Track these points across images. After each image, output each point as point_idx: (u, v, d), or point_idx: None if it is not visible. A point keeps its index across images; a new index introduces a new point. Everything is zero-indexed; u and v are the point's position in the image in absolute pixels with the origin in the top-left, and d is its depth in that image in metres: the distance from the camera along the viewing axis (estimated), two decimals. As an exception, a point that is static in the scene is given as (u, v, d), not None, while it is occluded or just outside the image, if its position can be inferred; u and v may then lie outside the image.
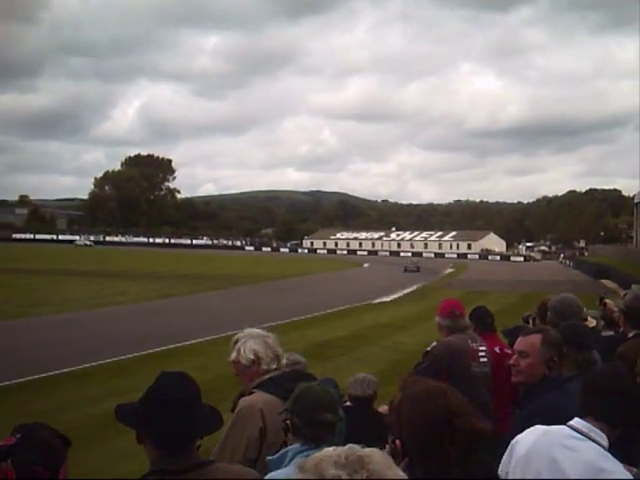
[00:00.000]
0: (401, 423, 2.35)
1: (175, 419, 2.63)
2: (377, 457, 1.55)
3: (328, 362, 17.45)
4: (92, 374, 17.35)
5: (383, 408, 4.88)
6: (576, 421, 3.10)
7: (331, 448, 1.60)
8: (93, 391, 15.31)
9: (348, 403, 5.32)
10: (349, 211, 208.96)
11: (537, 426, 3.17)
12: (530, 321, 6.50)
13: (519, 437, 3.17)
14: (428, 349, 6.16)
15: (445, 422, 2.25)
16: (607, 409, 3.09)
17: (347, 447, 1.59)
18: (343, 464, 1.51)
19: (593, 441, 3.01)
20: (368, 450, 1.58)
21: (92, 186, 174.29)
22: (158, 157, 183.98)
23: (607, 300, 7.50)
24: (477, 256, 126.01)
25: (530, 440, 3.08)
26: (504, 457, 3.17)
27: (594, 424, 3.06)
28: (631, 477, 2.96)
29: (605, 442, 3.03)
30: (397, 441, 2.33)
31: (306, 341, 20.96)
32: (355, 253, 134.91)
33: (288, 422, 3.29)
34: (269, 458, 3.26)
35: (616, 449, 3.05)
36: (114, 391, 15.01)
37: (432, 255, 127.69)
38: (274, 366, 4.25)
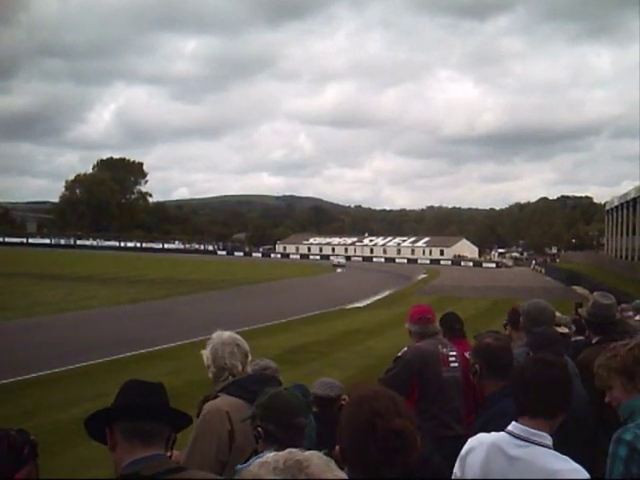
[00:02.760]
0: (338, 429, 2.38)
1: (145, 399, 2.70)
2: (315, 460, 1.55)
3: (300, 367, 17.41)
4: (60, 379, 17.16)
5: None
6: (514, 426, 3.10)
7: (271, 454, 1.60)
8: (62, 396, 15.15)
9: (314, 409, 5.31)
10: (322, 216, 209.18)
11: (480, 437, 3.18)
12: (507, 328, 6.52)
13: (468, 449, 3.18)
14: (399, 354, 6.16)
15: (367, 424, 2.26)
16: (540, 401, 3.08)
17: (286, 452, 1.59)
18: (281, 469, 1.51)
19: (537, 444, 3.02)
20: (307, 453, 1.58)
21: (63, 189, 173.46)
22: (130, 160, 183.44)
23: (580, 308, 7.55)
24: (450, 262, 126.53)
25: (478, 459, 3.08)
26: (456, 466, 3.18)
27: (532, 424, 3.06)
28: (583, 471, 2.96)
29: (549, 441, 3.04)
30: (337, 447, 2.35)
31: (278, 346, 20.91)
32: (328, 258, 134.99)
33: (260, 429, 3.27)
34: (239, 466, 3.23)
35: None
36: (83, 397, 14.92)
37: (405, 261, 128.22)
38: (240, 369, 4.27)
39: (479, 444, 3.13)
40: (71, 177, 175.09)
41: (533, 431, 3.04)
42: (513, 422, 3.11)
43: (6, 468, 2.44)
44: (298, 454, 1.57)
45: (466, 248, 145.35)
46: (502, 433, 3.11)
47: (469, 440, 3.20)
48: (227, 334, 4.40)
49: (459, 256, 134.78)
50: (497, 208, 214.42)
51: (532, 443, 3.01)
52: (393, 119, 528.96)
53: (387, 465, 2.21)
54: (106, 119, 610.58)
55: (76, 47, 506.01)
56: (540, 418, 3.07)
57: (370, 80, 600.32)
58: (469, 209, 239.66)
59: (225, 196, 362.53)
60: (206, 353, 4.32)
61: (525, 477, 2.92)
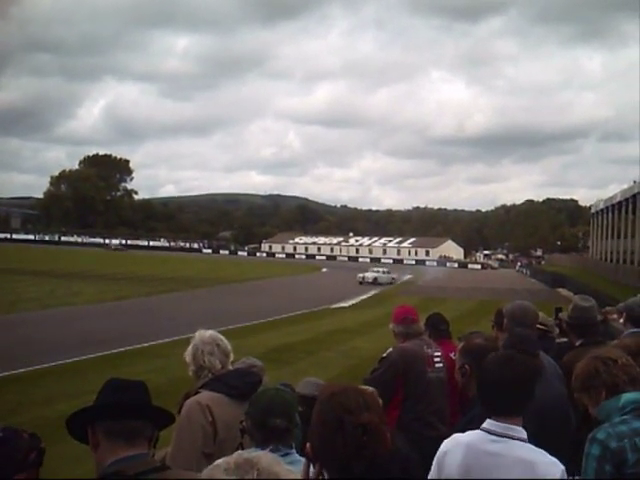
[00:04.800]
0: (310, 427, 2.40)
1: (127, 397, 2.71)
2: (265, 457, 1.60)
3: (285, 367, 17.42)
4: (44, 376, 17.11)
5: None
6: (489, 423, 3.15)
7: (223, 458, 1.64)
8: (46, 393, 15.12)
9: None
10: (308, 216, 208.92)
11: (456, 437, 3.22)
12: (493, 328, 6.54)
13: (445, 450, 3.20)
14: (384, 355, 6.18)
15: (336, 420, 2.27)
16: (508, 400, 3.13)
17: (236, 454, 1.64)
18: (232, 469, 1.55)
19: (513, 438, 3.07)
20: (257, 452, 1.63)
21: (48, 185, 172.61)
22: (116, 157, 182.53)
23: (561, 313, 7.60)
24: (435, 263, 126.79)
25: (457, 460, 3.12)
26: (433, 468, 3.20)
27: (505, 420, 3.11)
28: (559, 463, 3.03)
29: (524, 434, 3.10)
30: (308, 445, 2.37)
31: (263, 345, 20.89)
32: (314, 258, 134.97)
33: (244, 424, 3.28)
34: None
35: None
36: (67, 393, 14.88)
37: (390, 261, 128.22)
38: (219, 368, 4.30)
39: (456, 444, 3.16)
40: (56, 173, 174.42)
41: (507, 426, 3.09)
42: (487, 420, 3.15)
43: (9, 467, 2.44)
44: (247, 454, 1.61)
45: (452, 249, 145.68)
46: (477, 431, 3.16)
47: (445, 442, 3.22)
48: (209, 333, 4.43)
49: (445, 257, 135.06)
50: (483, 210, 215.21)
51: (508, 438, 3.07)
52: (384, 119, 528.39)
53: (356, 459, 2.22)
54: (95, 115, 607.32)
55: (66, 42, 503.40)
56: (511, 415, 3.13)
57: (362, 80, 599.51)
58: (455, 210, 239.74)
59: (212, 194, 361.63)
60: (187, 351, 4.36)
61: (505, 471, 2.97)
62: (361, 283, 60.28)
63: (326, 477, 2.24)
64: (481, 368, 3.38)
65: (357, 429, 2.24)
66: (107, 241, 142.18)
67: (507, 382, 3.14)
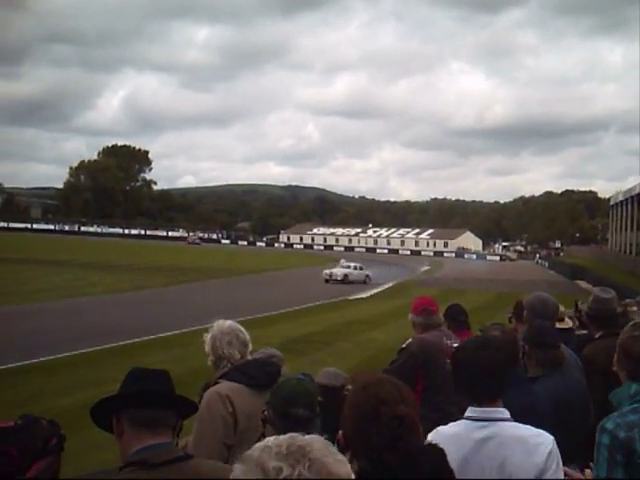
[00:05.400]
0: (342, 415, 2.40)
1: (151, 386, 2.73)
2: (317, 445, 1.54)
3: (303, 357, 17.43)
4: (64, 365, 17.22)
5: None
6: (471, 410, 3.12)
7: (272, 437, 1.59)
8: (65, 382, 15.24)
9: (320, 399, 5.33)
10: (326, 207, 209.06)
11: (439, 430, 3.16)
12: (513, 320, 6.51)
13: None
14: (403, 346, 6.16)
15: (372, 410, 2.27)
16: (487, 385, 3.11)
17: (287, 436, 1.57)
18: (284, 455, 1.50)
19: (499, 420, 3.06)
20: (308, 438, 1.57)
21: (68, 175, 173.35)
22: (135, 148, 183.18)
23: (580, 304, 7.56)
24: (453, 254, 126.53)
25: (448, 452, 3.06)
26: None
27: (487, 405, 3.09)
28: (547, 434, 3.05)
29: (507, 414, 3.09)
30: (340, 433, 2.37)
31: (281, 336, 20.93)
32: (331, 249, 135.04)
33: (265, 414, 3.29)
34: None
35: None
36: (86, 382, 14.98)
37: (408, 252, 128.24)
38: (237, 359, 4.30)
39: (440, 438, 3.08)
40: (76, 163, 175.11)
41: (492, 409, 3.08)
42: (469, 408, 3.13)
43: (29, 454, 2.46)
44: (299, 439, 1.56)
45: (470, 241, 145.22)
46: (461, 421, 3.13)
47: (428, 436, 3.09)
48: (227, 323, 4.44)
49: (463, 248, 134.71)
50: (502, 201, 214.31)
51: (495, 421, 3.05)
52: (403, 110, 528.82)
53: (390, 451, 2.21)
54: (114, 106, 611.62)
55: (86, 34, 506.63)
56: (494, 399, 3.11)
57: (381, 71, 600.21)
58: (473, 202, 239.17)
59: (231, 185, 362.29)
60: (206, 341, 4.37)
61: (503, 452, 2.97)
62: (327, 281, 49.52)
63: (356, 467, 2.21)
64: (455, 356, 3.33)
65: (393, 421, 2.23)
66: (126, 231, 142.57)
67: (487, 367, 3.11)
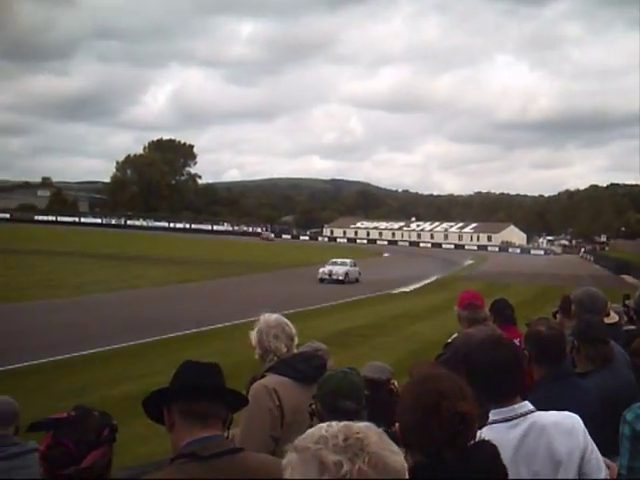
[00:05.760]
0: (400, 407, 2.39)
1: (203, 379, 2.74)
2: (373, 436, 1.53)
3: (347, 350, 17.42)
4: (111, 357, 17.48)
5: None
6: (496, 413, 3.07)
7: (324, 424, 1.58)
8: (111, 374, 15.45)
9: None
10: (369, 200, 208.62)
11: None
12: (557, 316, 6.46)
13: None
14: (449, 340, 6.14)
15: (434, 405, 2.26)
16: (507, 384, 3.09)
17: (342, 425, 1.56)
18: (342, 447, 1.49)
19: (526, 414, 3.04)
20: (363, 427, 1.56)
21: (114, 170, 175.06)
22: (180, 142, 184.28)
23: (628, 300, 7.49)
24: (497, 248, 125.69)
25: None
26: None
27: (508, 403, 3.07)
28: (573, 414, 3.06)
29: (531, 406, 3.08)
30: (396, 425, 2.36)
31: (325, 329, 20.95)
32: (375, 242, 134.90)
33: (313, 407, 3.31)
34: None
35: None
36: (133, 374, 15.20)
37: (452, 246, 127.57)
38: (284, 352, 4.32)
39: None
40: (122, 158, 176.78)
41: (516, 406, 3.07)
42: (492, 411, 3.08)
43: (83, 444, 2.51)
44: (355, 428, 1.55)
45: (514, 234, 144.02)
46: (490, 427, 3.04)
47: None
48: (274, 317, 4.46)
49: (507, 242, 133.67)
50: (546, 195, 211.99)
51: (523, 416, 3.04)
52: (447, 104, 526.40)
53: (449, 447, 2.22)
54: (160, 100, 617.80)
55: (133, 29, 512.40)
56: (515, 396, 3.10)
57: (426, 64, 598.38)
58: (518, 195, 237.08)
59: (275, 179, 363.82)
60: (253, 335, 4.40)
61: (541, 445, 2.97)
62: (322, 281, 42.92)
63: (410, 462, 2.20)
64: (470, 356, 3.28)
65: (454, 416, 2.24)
66: (172, 225, 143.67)
67: (504, 366, 3.10)
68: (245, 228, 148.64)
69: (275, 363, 4.24)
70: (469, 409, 2.28)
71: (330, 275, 43.37)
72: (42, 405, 10.45)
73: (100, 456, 2.58)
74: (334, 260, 46.20)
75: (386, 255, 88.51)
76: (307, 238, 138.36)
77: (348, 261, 46.58)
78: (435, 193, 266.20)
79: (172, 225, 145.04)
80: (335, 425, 1.56)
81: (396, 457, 1.54)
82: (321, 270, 43.85)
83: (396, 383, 5.91)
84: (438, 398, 2.28)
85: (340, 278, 43.21)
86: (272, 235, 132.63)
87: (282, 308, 18.08)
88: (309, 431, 1.59)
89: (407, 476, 1.55)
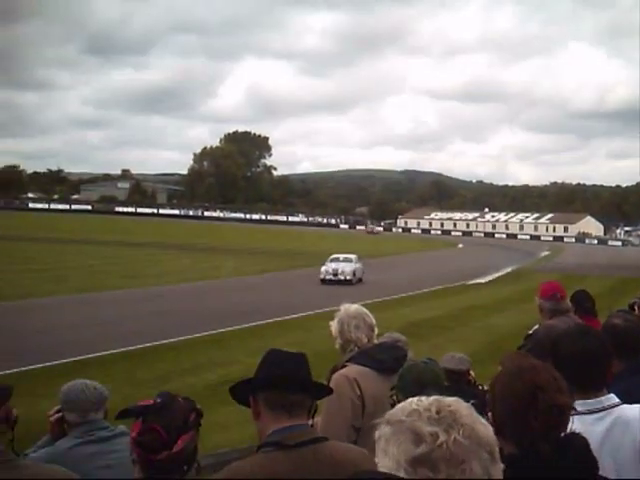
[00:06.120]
0: (494, 397, 2.40)
1: (289, 370, 2.81)
2: (464, 410, 1.55)
3: (423, 341, 17.36)
4: (192, 346, 17.72)
5: None
6: (582, 404, 3.01)
7: (415, 399, 1.59)
8: (192, 362, 15.70)
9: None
10: (443, 191, 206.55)
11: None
12: (636, 308, 6.40)
13: None
14: (530, 332, 6.11)
15: (530, 396, 2.27)
16: (597, 374, 3.08)
17: (433, 399, 1.57)
18: (436, 419, 1.51)
19: (612, 407, 3.04)
20: (454, 401, 1.57)
21: (192, 162, 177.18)
22: (255, 134, 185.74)
23: None
24: (574, 239, 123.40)
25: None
26: None
27: (594, 395, 3.05)
28: None
29: (616, 399, 3.07)
30: (490, 414, 2.35)
31: (401, 320, 20.87)
32: (449, 233, 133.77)
33: (394, 398, 3.37)
34: None
35: None
36: (213, 362, 15.48)
37: (527, 237, 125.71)
38: (365, 342, 4.31)
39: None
40: (199, 150, 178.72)
41: (603, 398, 3.06)
42: (577, 402, 2.90)
43: (173, 430, 2.62)
44: (447, 401, 1.56)
45: (591, 225, 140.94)
46: (574, 417, 2.94)
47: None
48: (354, 307, 4.45)
49: (583, 233, 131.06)
50: (624, 185, 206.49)
51: (609, 408, 3.03)
52: (521, 93, 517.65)
53: (545, 439, 2.24)
54: (236, 93, 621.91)
55: (209, 23, 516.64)
56: (601, 388, 3.10)
57: (499, 54, 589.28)
58: (594, 186, 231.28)
59: (348, 170, 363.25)
60: (334, 325, 4.39)
61: (627, 438, 2.95)
62: (323, 281, 35.89)
63: (508, 448, 2.25)
64: (559, 344, 3.26)
65: (552, 409, 2.26)
66: (248, 216, 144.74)
67: (595, 355, 3.09)
68: (320, 219, 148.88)
69: (355, 353, 4.24)
70: (565, 401, 2.30)
71: (335, 275, 36.55)
72: (126, 392, 10.70)
73: (189, 440, 2.66)
74: (335, 256, 38.81)
75: (460, 246, 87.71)
76: (381, 229, 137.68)
77: (353, 257, 39.60)
78: (510, 184, 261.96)
79: (248, 216, 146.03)
80: (425, 399, 1.58)
81: (488, 429, 1.56)
82: (323, 269, 37.24)
83: (473, 374, 5.95)
84: (534, 390, 2.29)
85: (348, 278, 36.58)
86: (378, 228, 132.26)
87: (357, 299, 18.15)
88: (399, 405, 1.62)
89: (498, 449, 1.57)
